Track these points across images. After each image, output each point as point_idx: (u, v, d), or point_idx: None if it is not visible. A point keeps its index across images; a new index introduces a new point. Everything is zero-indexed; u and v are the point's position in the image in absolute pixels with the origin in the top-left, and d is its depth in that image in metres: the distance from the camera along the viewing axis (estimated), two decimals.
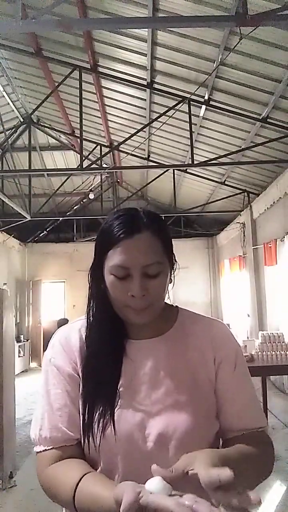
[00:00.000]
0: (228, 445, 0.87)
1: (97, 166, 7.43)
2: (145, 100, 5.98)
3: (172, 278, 0.92)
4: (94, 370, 0.87)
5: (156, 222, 0.87)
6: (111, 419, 0.82)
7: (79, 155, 7.90)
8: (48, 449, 0.85)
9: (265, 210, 7.16)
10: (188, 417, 0.83)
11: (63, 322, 9.81)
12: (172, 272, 0.91)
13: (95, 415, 0.83)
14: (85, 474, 0.78)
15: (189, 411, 0.84)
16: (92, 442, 0.83)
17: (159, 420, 0.83)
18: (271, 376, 6.51)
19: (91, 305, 0.92)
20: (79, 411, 0.86)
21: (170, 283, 0.91)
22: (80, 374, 0.88)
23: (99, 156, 7.51)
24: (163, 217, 0.93)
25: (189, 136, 5.86)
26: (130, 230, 0.83)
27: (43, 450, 0.85)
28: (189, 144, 5.93)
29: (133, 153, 7.40)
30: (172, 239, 0.92)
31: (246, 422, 0.89)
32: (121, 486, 0.66)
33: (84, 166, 6.75)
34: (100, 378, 0.86)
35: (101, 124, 7.19)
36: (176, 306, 1.00)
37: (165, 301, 0.93)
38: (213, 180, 8.12)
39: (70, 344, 0.91)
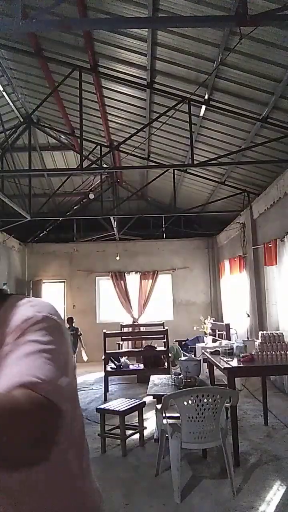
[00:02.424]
0: None
1: (97, 166, 7.44)
2: (145, 100, 5.98)
3: None
4: None
5: None
6: None
7: (79, 155, 7.90)
8: None
9: (265, 210, 7.16)
10: None
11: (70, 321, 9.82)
12: None
13: None
14: None
15: None
16: None
17: None
18: (271, 376, 6.51)
19: None
20: None
21: None
22: None
23: (99, 156, 7.52)
24: None
25: (189, 136, 5.86)
26: None
27: None
28: (189, 144, 5.93)
29: (133, 153, 7.40)
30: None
31: (9, 378, 0.75)
32: None
33: (84, 166, 6.74)
34: None
35: (101, 124, 7.19)
36: (7, 294, 0.93)
37: None
38: (213, 180, 8.12)
39: None
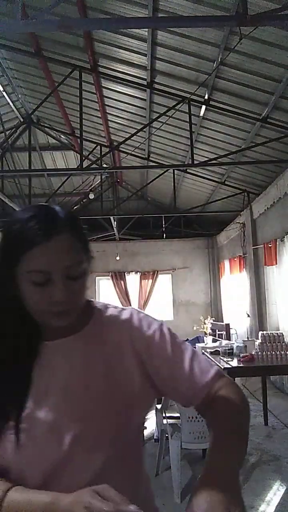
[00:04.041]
0: (201, 410, 0.88)
1: (97, 166, 7.43)
2: (145, 100, 5.98)
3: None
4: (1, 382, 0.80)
5: (74, 220, 0.82)
6: (18, 427, 0.76)
7: (79, 155, 7.90)
8: None
9: (265, 210, 7.16)
10: (104, 414, 0.79)
11: None
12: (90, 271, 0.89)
13: (3, 424, 0.77)
14: (10, 488, 0.72)
15: (104, 408, 0.80)
16: (3, 454, 0.76)
17: (73, 422, 0.78)
18: (271, 376, 6.51)
19: None
20: None
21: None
22: None
23: (99, 156, 7.51)
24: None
25: (189, 136, 5.86)
26: (47, 231, 0.75)
27: None
28: (189, 144, 5.93)
29: (133, 153, 7.40)
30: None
31: (197, 378, 0.86)
32: (83, 493, 0.63)
33: (84, 166, 6.74)
34: (8, 387, 0.79)
35: (101, 124, 7.19)
36: (90, 300, 0.94)
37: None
38: (213, 180, 8.12)
39: None
